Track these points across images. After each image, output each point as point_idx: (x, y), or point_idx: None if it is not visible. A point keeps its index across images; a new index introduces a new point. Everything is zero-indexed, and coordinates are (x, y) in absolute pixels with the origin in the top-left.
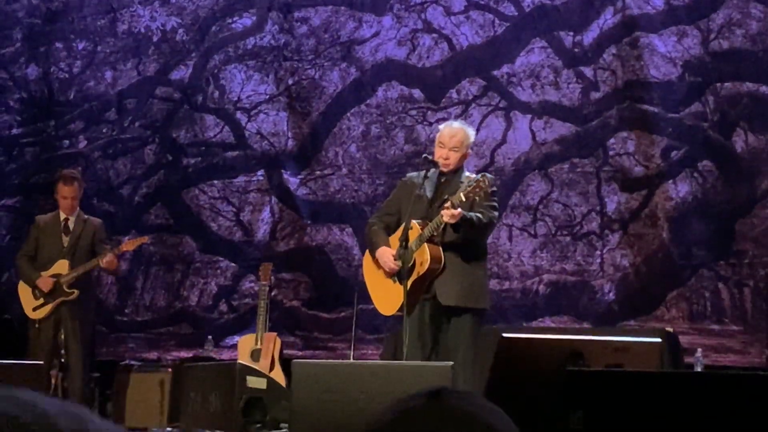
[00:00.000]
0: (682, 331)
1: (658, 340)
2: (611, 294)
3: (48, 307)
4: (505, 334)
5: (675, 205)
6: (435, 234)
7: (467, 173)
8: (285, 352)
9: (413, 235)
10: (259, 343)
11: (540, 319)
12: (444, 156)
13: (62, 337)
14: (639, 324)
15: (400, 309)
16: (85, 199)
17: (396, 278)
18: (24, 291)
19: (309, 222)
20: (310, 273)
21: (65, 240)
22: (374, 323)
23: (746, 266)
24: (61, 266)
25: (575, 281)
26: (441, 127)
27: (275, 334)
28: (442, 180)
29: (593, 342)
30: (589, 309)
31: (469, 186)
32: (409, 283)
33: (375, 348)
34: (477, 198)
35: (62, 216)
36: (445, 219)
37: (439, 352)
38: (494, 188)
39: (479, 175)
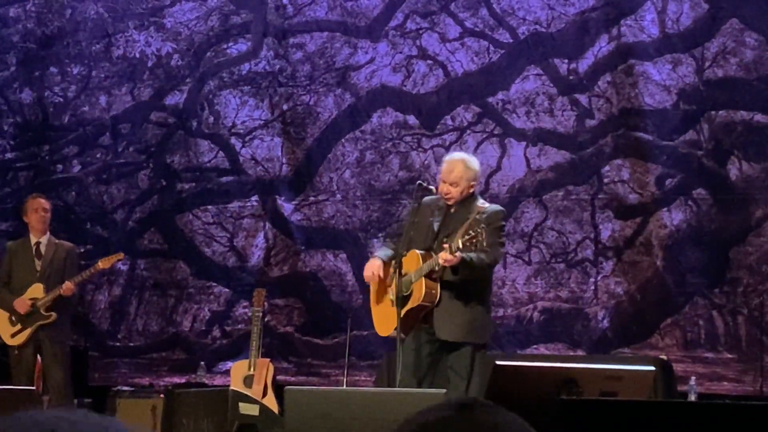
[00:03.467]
0: (676, 359)
1: (652, 368)
2: (605, 321)
3: (27, 332)
4: (498, 362)
5: (669, 232)
6: (434, 270)
7: (480, 202)
8: (278, 377)
9: (412, 264)
10: (252, 369)
11: (534, 347)
12: (445, 191)
13: (42, 361)
14: (633, 351)
15: (396, 332)
16: (78, 223)
17: (393, 301)
18: (1, 317)
19: (303, 248)
20: (303, 299)
21: (38, 264)
22: (368, 349)
23: (740, 294)
24: (36, 290)
25: (569, 308)
26: (445, 158)
27: (268, 360)
28: (452, 210)
29: (587, 370)
30: (583, 336)
31: (469, 234)
32: (403, 311)
33: (368, 374)
34: (479, 239)
35: (33, 240)
36: (441, 263)
37: (433, 382)
38: (503, 223)
39: (481, 228)
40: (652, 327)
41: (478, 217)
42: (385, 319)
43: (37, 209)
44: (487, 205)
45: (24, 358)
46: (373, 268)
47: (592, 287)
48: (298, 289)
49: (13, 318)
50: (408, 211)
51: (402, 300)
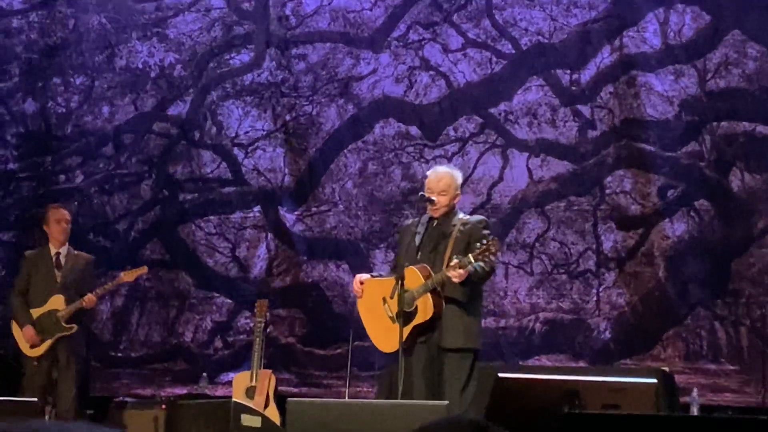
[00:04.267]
0: (678, 370)
1: (654, 380)
2: (607, 332)
3: (47, 344)
4: (500, 374)
5: (671, 243)
6: (439, 286)
7: (461, 215)
8: (280, 388)
9: (414, 281)
10: (254, 380)
11: (536, 357)
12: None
13: (58, 371)
14: (635, 363)
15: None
16: (81, 233)
17: (393, 318)
18: (19, 328)
19: (305, 258)
20: (305, 309)
21: (58, 275)
22: (370, 360)
23: (743, 305)
24: (57, 301)
25: (571, 319)
26: (428, 173)
27: (270, 371)
28: (434, 224)
29: (589, 382)
30: (585, 347)
31: (480, 249)
32: (411, 326)
33: (370, 385)
34: (491, 250)
35: (53, 250)
36: (454, 280)
37: (435, 392)
38: (488, 231)
39: (490, 238)
40: (654, 338)
41: (462, 228)
42: (386, 335)
43: (60, 220)
44: (468, 217)
45: (40, 370)
46: (354, 280)
47: (594, 298)
48: (300, 299)
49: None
50: (398, 238)
51: (406, 316)
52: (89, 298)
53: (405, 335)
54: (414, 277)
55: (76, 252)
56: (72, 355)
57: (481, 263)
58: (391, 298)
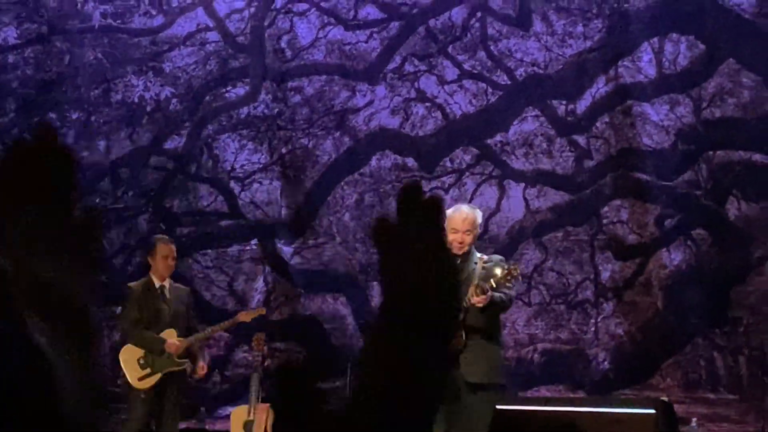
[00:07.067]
0: (677, 400)
1: (652, 411)
2: (606, 362)
3: (156, 377)
4: (499, 406)
5: (669, 272)
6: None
7: (479, 254)
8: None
9: None
10: (251, 414)
11: (535, 388)
12: (459, 240)
13: (164, 407)
14: (634, 393)
15: None
16: None
17: None
18: (129, 359)
19: (303, 291)
20: (303, 343)
21: (165, 308)
22: None
23: (741, 334)
24: (170, 335)
25: (570, 350)
26: (449, 211)
27: (268, 405)
28: (457, 261)
29: (587, 414)
30: (584, 377)
31: (503, 274)
32: None
33: None
34: (513, 274)
35: (156, 283)
36: (478, 305)
37: (455, 427)
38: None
39: (510, 264)
40: (653, 368)
41: (485, 266)
42: None
43: (167, 256)
44: (486, 257)
45: (146, 404)
46: None
47: (593, 328)
48: (299, 332)
49: (142, 360)
50: None
51: None
52: (207, 334)
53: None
54: None
55: (176, 284)
56: (180, 393)
57: (501, 294)
58: None
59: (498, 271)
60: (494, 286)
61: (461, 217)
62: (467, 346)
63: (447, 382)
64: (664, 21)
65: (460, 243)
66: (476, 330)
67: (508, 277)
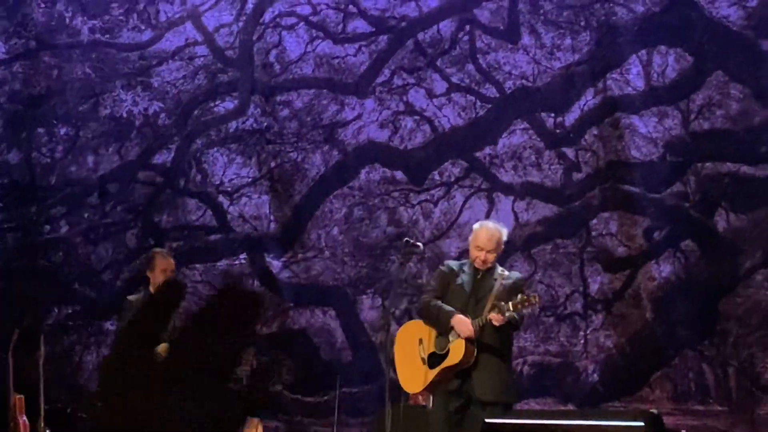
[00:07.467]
0: (666, 412)
1: (641, 423)
2: (595, 375)
3: None
4: (488, 420)
5: (658, 284)
6: (479, 330)
7: (500, 269)
8: None
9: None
10: (242, 429)
11: (524, 401)
12: (482, 258)
13: None
14: (624, 405)
15: (423, 390)
16: (66, 283)
17: (424, 359)
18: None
19: (291, 305)
20: (292, 356)
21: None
22: (358, 406)
23: (730, 346)
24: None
25: (559, 362)
26: (476, 227)
27: (258, 419)
28: (478, 276)
29: (577, 427)
30: (573, 390)
31: (521, 299)
32: (439, 368)
33: None
34: (531, 301)
35: None
36: (495, 323)
37: None
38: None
39: (530, 293)
40: (642, 380)
41: (504, 282)
42: (412, 376)
43: (165, 270)
44: (507, 272)
45: None
46: (466, 327)
47: (582, 341)
48: (287, 346)
49: None
50: (439, 274)
51: (437, 358)
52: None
53: (431, 377)
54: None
55: None
56: None
57: (514, 314)
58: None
59: (518, 296)
60: (510, 309)
61: (487, 236)
62: (479, 362)
63: (450, 399)
64: (653, 33)
65: (483, 261)
66: (489, 348)
67: (526, 304)
